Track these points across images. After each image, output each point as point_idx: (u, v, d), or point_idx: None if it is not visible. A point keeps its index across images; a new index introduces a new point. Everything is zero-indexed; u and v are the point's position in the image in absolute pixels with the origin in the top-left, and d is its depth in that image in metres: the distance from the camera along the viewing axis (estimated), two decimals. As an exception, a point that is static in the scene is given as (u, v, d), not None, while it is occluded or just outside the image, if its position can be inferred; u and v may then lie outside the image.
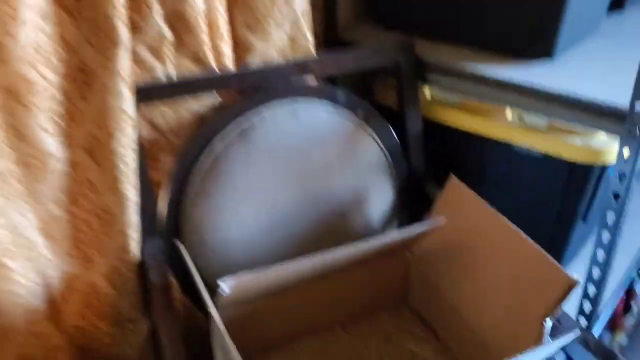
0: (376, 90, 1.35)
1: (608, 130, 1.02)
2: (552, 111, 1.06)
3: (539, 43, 1.14)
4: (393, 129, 1.20)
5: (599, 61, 1.15)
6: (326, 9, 1.32)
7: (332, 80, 1.27)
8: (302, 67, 1.09)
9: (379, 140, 1.19)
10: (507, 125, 1.17)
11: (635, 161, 1.00)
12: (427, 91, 1.28)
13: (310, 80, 1.14)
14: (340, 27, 1.36)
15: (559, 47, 1.14)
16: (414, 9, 1.28)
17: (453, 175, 1.11)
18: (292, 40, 1.11)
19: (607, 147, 1.08)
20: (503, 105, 1.14)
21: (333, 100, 1.14)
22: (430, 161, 1.28)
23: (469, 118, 1.21)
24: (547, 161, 1.13)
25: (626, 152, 0.99)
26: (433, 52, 1.23)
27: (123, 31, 0.88)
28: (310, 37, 1.13)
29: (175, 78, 1.02)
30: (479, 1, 1.17)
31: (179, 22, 0.99)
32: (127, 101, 0.92)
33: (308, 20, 1.11)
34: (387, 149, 1.20)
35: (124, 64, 0.90)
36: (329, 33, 1.34)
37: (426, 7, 1.26)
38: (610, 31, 1.32)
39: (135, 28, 0.98)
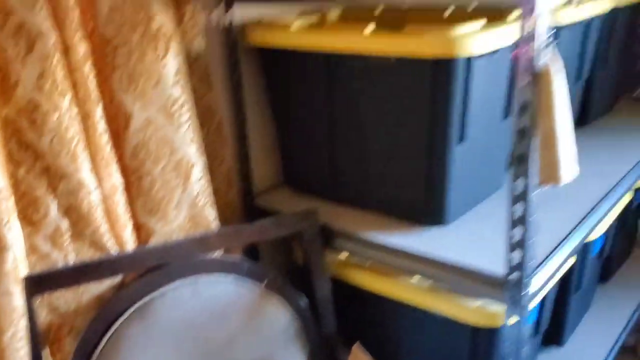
0: (295, 252, 1.39)
1: (492, 298, 1.05)
2: (438, 277, 1.10)
3: (430, 211, 1.20)
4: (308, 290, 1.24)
5: (490, 226, 1.20)
6: (243, 179, 1.39)
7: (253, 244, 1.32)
8: (202, 243, 1.14)
9: (287, 307, 1.21)
10: (412, 287, 1.20)
11: (521, 326, 1.03)
12: (343, 253, 1.32)
13: (215, 255, 1.18)
14: (256, 195, 1.43)
15: (451, 214, 1.20)
16: (325, 177, 1.35)
17: (358, 345, 1.13)
18: (192, 219, 1.16)
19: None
20: (396, 269, 1.18)
21: (237, 272, 1.18)
22: (344, 323, 1.30)
23: (376, 280, 1.25)
24: (451, 324, 1.15)
25: (512, 319, 1.03)
26: (341, 218, 1.28)
27: (11, 236, 0.93)
28: (210, 214, 1.18)
29: (73, 265, 1.06)
30: (378, 170, 1.24)
31: (75, 213, 1.04)
32: (17, 299, 0.95)
33: (207, 199, 1.17)
34: (295, 315, 1.22)
35: (12, 265, 0.93)
36: (246, 201, 1.40)
37: (335, 176, 1.33)
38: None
39: (32, 222, 1.02)
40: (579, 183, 1.38)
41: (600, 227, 1.44)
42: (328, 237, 1.27)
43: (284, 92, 1.34)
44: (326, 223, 1.27)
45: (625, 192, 1.47)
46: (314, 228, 1.25)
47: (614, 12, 1.61)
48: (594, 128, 1.76)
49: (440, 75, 1.06)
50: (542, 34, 0.87)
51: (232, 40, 1.30)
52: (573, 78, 1.53)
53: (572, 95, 1.58)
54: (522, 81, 0.89)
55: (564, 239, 1.14)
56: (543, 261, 1.06)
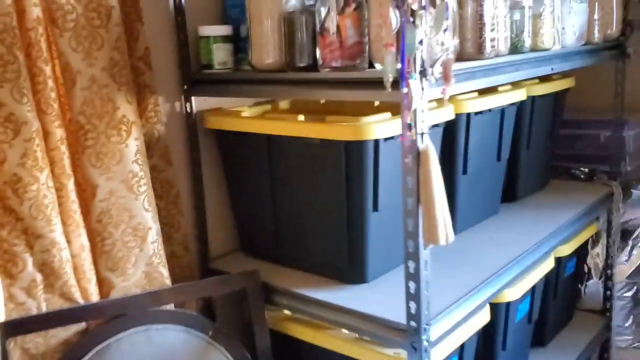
0: (245, 308, 1.57)
1: (399, 345, 1.23)
2: (356, 328, 1.29)
3: (353, 271, 1.40)
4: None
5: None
6: (200, 244, 1.60)
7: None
8: (155, 297, 1.33)
9: (229, 356, 1.39)
10: (340, 338, 1.37)
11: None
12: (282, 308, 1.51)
13: (167, 307, 1.37)
14: (213, 259, 1.63)
15: (371, 273, 1.40)
16: (271, 243, 1.55)
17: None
18: (148, 275, 1.36)
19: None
20: (324, 321, 1.36)
21: (186, 323, 1.36)
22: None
23: (309, 332, 1.43)
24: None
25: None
26: (281, 277, 1.48)
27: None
28: (164, 272, 1.38)
29: (44, 312, 1.25)
30: (311, 236, 1.45)
31: (47, 269, 1.24)
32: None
33: (161, 259, 1.37)
34: (238, 363, 1.40)
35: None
36: (203, 264, 1.60)
37: (279, 242, 1.53)
38: (436, 254, 1.58)
39: (11, 275, 1.22)
40: (492, 249, 1.59)
41: (517, 289, 1.63)
42: (269, 294, 1.46)
43: (236, 168, 1.57)
44: (268, 282, 1.46)
45: (539, 260, 1.67)
46: (256, 286, 1.44)
47: (531, 100, 1.86)
48: (523, 203, 1.97)
49: (352, 155, 1.29)
50: (420, 123, 1.09)
51: (192, 124, 1.54)
52: (493, 159, 1.75)
53: (495, 174, 1.80)
54: (406, 160, 1.11)
55: (465, 295, 1.33)
56: (441, 312, 1.25)
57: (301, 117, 1.39)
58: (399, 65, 1.06)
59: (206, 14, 1.56)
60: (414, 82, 1.07)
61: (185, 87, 1.51)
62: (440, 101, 1.50)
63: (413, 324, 1.18)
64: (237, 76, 1.47)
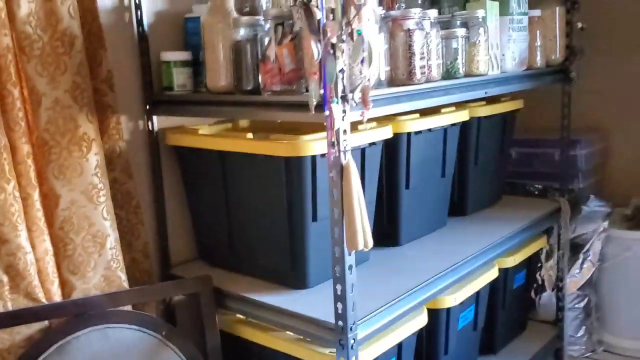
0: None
1: (331, 344, 1.35)
2: (294, 329, 1.41)
3: (295, 277, 1.53)
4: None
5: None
6: (161, 252, 1.73)
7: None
8: (113, 298, 1.46)
9: (180, 355, 1.51)
10: (284, 338, 1.50)
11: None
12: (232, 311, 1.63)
13: (125, 308, 1.49)
14: (173, 266, 1.75)
15: (312, 280, 1.52)
16: (225, 251, 1.68)
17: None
18: (107, 279, 1.49)
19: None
20: (268, 322, 1.49)
21: (141, 323, 1.49)
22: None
23: (261, 334, 1.55)
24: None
25: (342, 361, 1.32)
26: (233, 283, 1.60)
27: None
28: (122, 276, 1.51)
29: (10, 311, 1.37)
30: (260, 245, 1.58)
31: (13, 271, 1.37)
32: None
33: (120, 264, 1.50)
34: (189, 361, 1.52)
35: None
36: (163, 270, 1.73)
37: (232, 250, 1.66)
38: (380, 262, 1.71)
39: (-22, 278, 1.35)
40: (432, 258, 1.71)
41: (457, 296, 1.75)
42: (222, 299, 1.58)
43: (194, 182, 1.70)
44: (220, 287, 1.58)
45: (478, 269, 1.79)
46: (208, 290, 1.56)
47: (477, 121, 1.99)
48: (473, 217, 2.10)
49: (292, 170, 1.42)
50: (343, 142, 1.23)
51: (155, 141, 1.68)
52: (438, 174, 1.89)
53: (441, 189, 1.93)
54: (331, 174, 1.25)
55: (396, 298, 1.45)
56: (369, 313, 1.37)
57: (249, 135, 1.53)
58: (322, 91, 1.20)
59: (170, 40, 1.71)
60: (336, 106, 1.20)
61: (148, 107, 1.65)
62: (380, 121, 1.65)
63: (340, 323, 1.30)
64: (194, 97, 1.61)
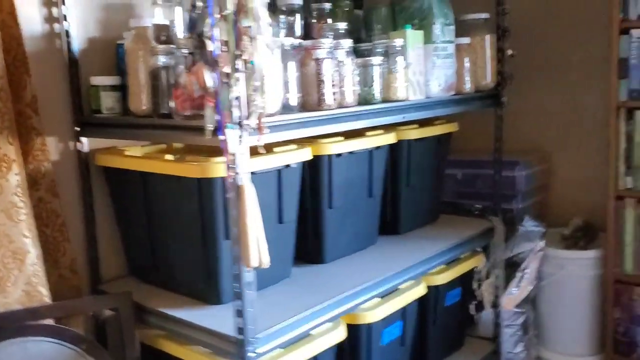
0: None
1: (235, 358, 1.41)
2: (203, 343, 1.47)
3: (210, 293, 1.59)
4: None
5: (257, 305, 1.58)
6: (91, 269, 1.79)
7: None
8: (33, 313, 1.52)
9: (99, 367, 1.57)
10: (203, 353, 1.55)
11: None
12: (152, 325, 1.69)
13: (46, 322, 1.55)
14: (104, 282, 1.82)
15: (227, 296, 1.58)
16: (150, 267, 1.74)
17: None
18: (28, 294, 1.55)
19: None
20: (183, 338, 1.55)
21: (61, 337, 1.54)
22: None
23: (179, 348, 1.61)
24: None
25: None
26: (154, 298, 1.66)
27: None
28: (43, 291, 1.57)
29: None
30: (179, 262, 1.64)
31: None
32: None
33: (40, 279, 1.56)
34: (109, 374, 1.57)
35: None
36: (93, 285, 1.79)
37: (156, 266, 1.73)
38: (301, 279, 1.77)
39: None
40: (355, 275, 1.78)
41: (378, 312, 1.81)
42: (141, 314, 1.64)
43: (121, 201, 1.77)
44: (140, 302, 1.65)
45: (398, 285, 1.86)
46: (127, 306, 1.62)
47: (407, 143, 2.07)
48: (406, 236, 2.16)
49: (204, 190, 1.49)
50: (239, 165, 1.30)
51: (85, 161, 1.75)
52: (364, 195, 1.96)
53: (369, 208, 2.00)
54: (229, 195, 1.32)
55: (303, 313, 1.51)
56: (271, 327, 1.43)
57: (169, 157, 1.60)
58: (218, 117, 1.28)
59: (102, 65, 1.78)
60: (230, 132, 1.28)
61: (77, 128, 1.73)
62: (301, 143, 1.72)
63: (241, 337, 1.37)
64: (119, 120, 1.68)
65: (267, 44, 1.31)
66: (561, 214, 2.67)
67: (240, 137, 1.30)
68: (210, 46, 1.25)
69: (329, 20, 1.96)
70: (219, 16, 1.24)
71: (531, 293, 2.49)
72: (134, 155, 1.69)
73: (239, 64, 1.26)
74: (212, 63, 1.26)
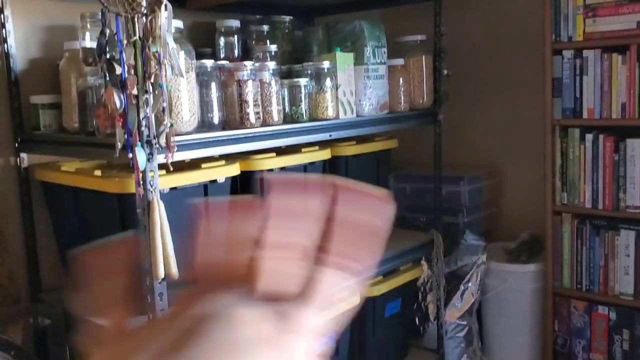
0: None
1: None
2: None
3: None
4: None
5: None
6: (31, 278, 1.86)
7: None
8: (-36, 321, 1.59)
9: (28, 373, 1.64)
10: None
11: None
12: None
13: (-22, 330, 1.63)
14: (45, 291, 1.89)
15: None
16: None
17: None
18: (-40, 302, 1.63)
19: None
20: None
21: (-8, 344, 1.62)
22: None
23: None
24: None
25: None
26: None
27: None
28: (-25, 300, 1.65)
29: None
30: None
31: None
32: None
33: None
34: (37, 380, 1.65)
35: None
36: (33, 294, 1.87)
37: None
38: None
39: None
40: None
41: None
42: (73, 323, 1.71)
43: (57, 214, 1.85)
44: (70, 311, 1.71)
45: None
46: (58, 314, 1.70)
47: (344, 159, 2.15)
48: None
49: (125, 205, 1.57)
50: (148, 181, 1.38)
51: (25, 176, 1.83)
52: (298, 209, 2.03)
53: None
54: (139, 210, 1.39)
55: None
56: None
57: (98, 172, 1.68)
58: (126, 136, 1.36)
59: (44, 84, 1.87)
60: (139, 150, 1.36)
61: (17, 145, 1.81)
62: (228, 159, 1.80)
63: None
64: (54, 137, 1.77)
65: (177, 68, 1.39)
66: (511, 228, 2.74)
67: (149, 154, 1.38)
68: (119, 70, 1.33)
69: (268, 42, 2.05)
70: (126, 42, 1.32)
71: (474, 305, 2.56)
72: (68, 170, 1.77)
73: (148, 86, 1.34)
74: (121, 85, 1.34)
